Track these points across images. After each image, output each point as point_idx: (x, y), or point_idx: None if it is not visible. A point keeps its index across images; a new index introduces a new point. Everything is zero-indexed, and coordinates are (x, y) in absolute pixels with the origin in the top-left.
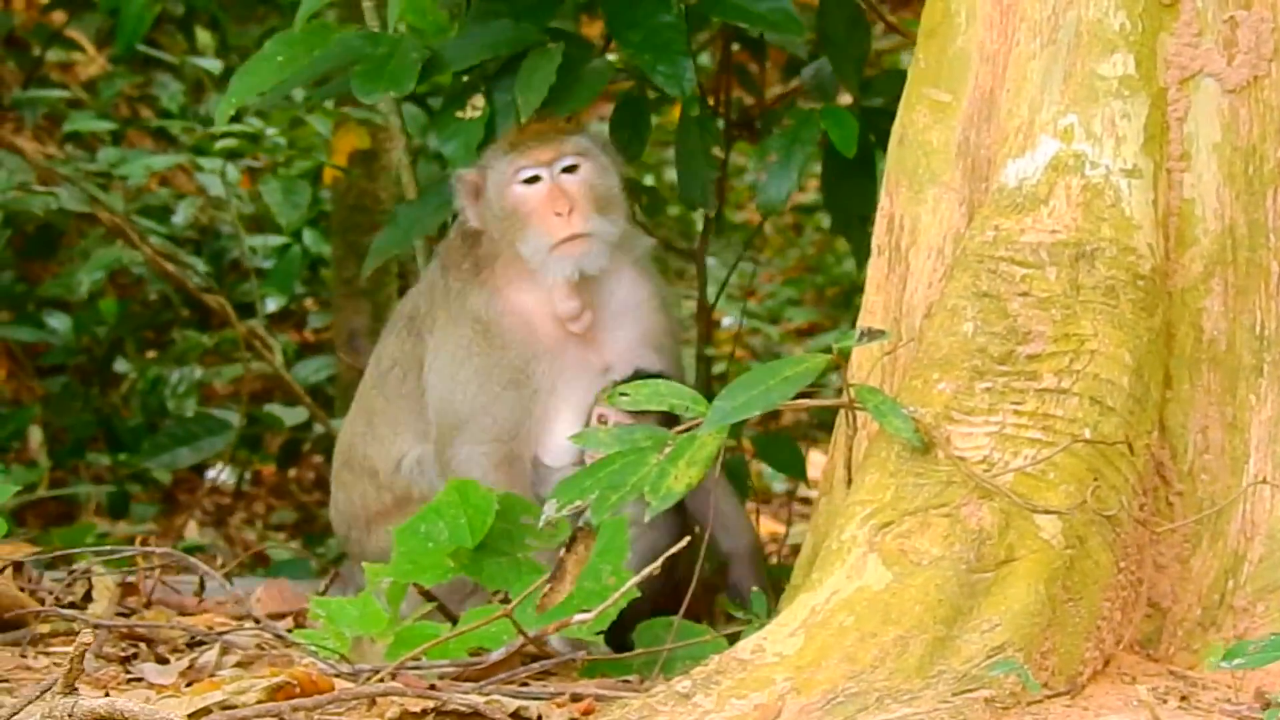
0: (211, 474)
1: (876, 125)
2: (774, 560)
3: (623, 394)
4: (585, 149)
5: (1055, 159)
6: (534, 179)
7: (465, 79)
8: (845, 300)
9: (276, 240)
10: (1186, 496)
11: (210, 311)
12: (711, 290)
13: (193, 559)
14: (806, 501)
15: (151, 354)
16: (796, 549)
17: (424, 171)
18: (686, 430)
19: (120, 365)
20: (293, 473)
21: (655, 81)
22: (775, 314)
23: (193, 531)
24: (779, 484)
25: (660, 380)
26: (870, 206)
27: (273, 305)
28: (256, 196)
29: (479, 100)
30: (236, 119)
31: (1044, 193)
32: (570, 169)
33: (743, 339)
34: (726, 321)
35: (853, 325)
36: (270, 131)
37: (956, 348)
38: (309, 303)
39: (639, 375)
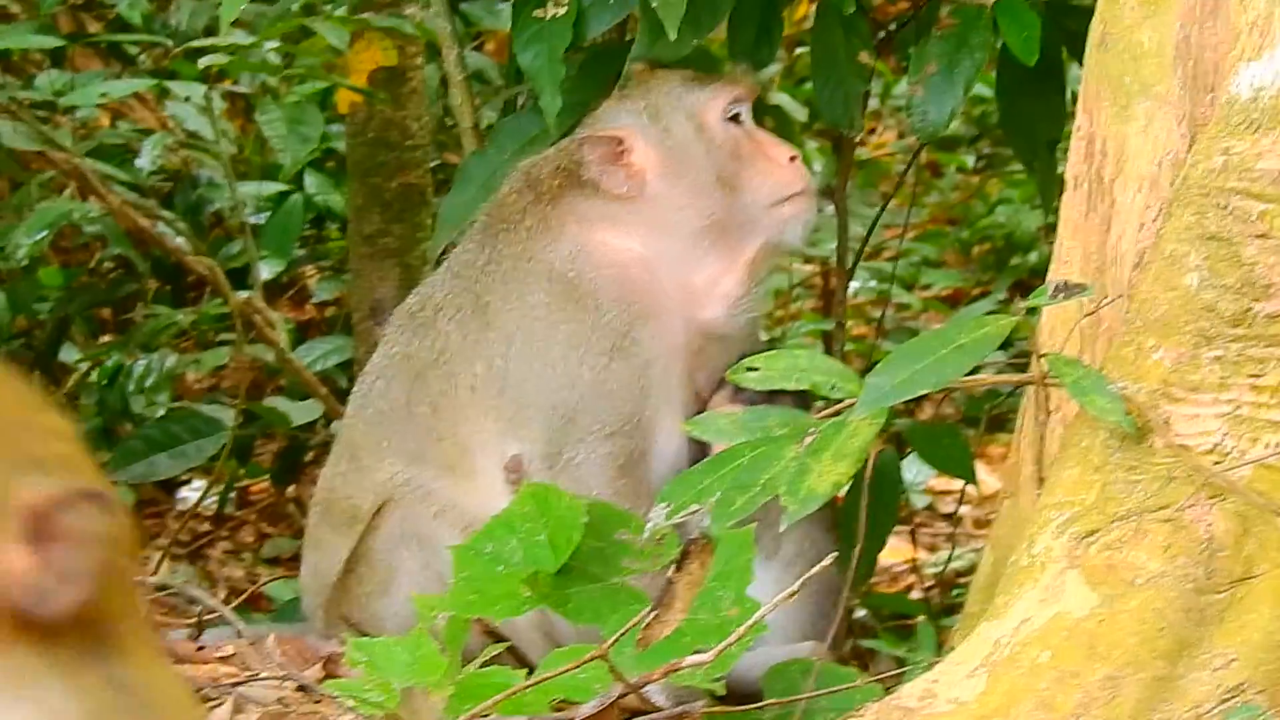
0: (186, 493)
1: (1066, 24)
2: (914, 594)
3: (751, 369)
4: (760, 90)
5: None
6: (737, 116)
7: None
8: (998, 261)
9: (269, 188)
10: None
11: (184, 282)
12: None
13: (199, 592)
14: (948, 518)
15: (108, 337)
16: (942, 581)
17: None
18: (833, 415)
19: (68, 352)
20: (290, 490)
21: None
22: (909, 278)
23: (162, 568)
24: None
25: (799, 351)
26: (1058, 129)
27: (266, 272)
28: (239, 133)
29: None
30: (210, 31)
31: None
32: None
33: (862, 309)
34: (853, 286)
35: (1024, 284)
36: (267, 47)
37: (1178, 306)
38: (308, 269)
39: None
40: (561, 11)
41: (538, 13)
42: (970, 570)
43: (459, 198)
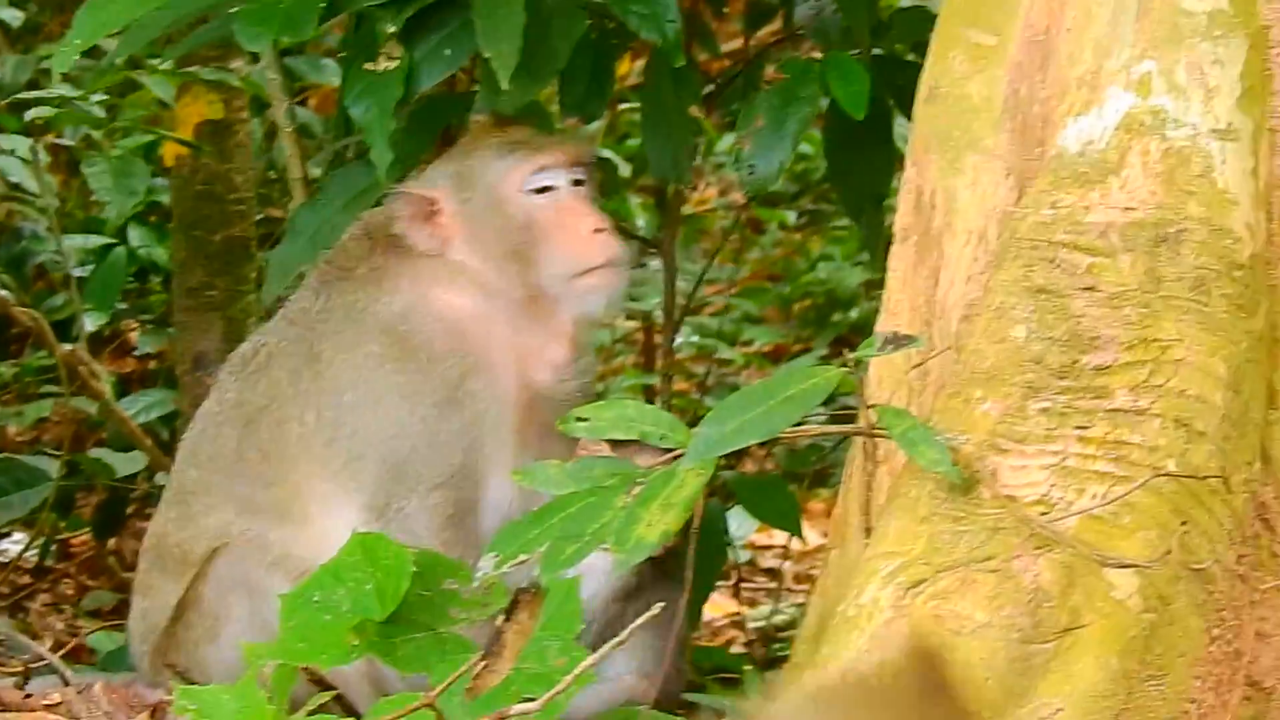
0: (6, 544)
1: (894, 79)
2: (736, 648)
3: (580, 419)
4: (593, 154)
5: (1128, 117)
6: (546, 187)
7: (379, 24)
8: (820, 317)
9: (94, 240)
10: None
11: (6, 334)
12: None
13: (26, 640)
14: (771, 573)
15: None
16: (763, 634)
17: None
18: (661, 465)
19: None
20: (111, 543)
21: (629, 24)
22: (731, 334)
23: None
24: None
25: (629, 401)
26: (885, 182)
27: (89, 325)
28: (62, 186)
29: (395, 49)
30: (34, 84)
31: (1115, 160)
32: (584, 180)
33: (683, 365)
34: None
35: (845, 340)
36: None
37: (1005, 358)
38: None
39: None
40: (393, 65)
41: (369, 66)
42: (792, 625)
43: (289, 249)
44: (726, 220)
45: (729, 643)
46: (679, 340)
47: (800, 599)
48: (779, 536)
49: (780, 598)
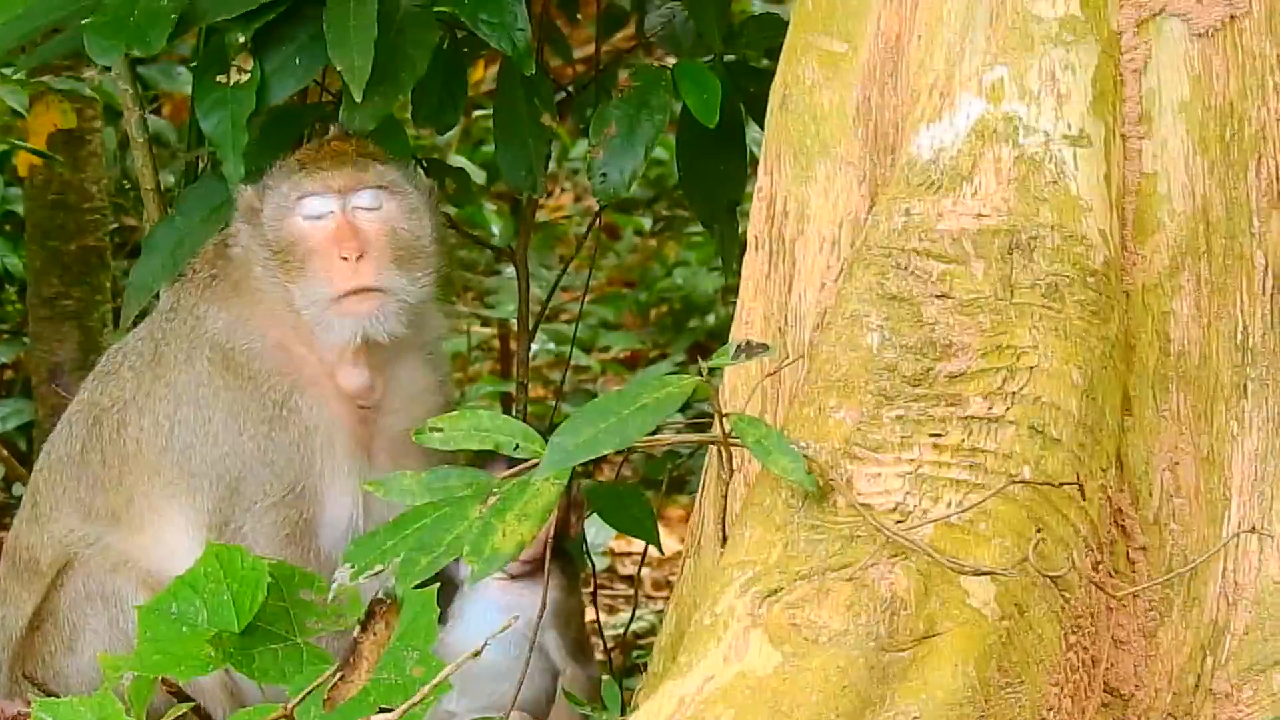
0: None
1: (746, 86)
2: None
3: (435, 429)
4: (392, 181)
5: (980, 123)
6: (321, 215)
7: (229, 36)
8: (676, 323)
9: None
10: (1152, 552)
11: None
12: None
13: None
14: (628, 580)
15: None
16: (623, 643)
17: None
18: (516, 475)
19: None
20: None
21: (479, 33)
22: (588, 341)
23: None
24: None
25: (482, 411)
26: (739, 190)
27: None
28: None
29: (247, 61)
30: None
31: (966, 167)
32: (370, 206)
33: (540, 372)
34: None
35: (702, 346)
36: None
37: (858, 366)
38: None
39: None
40: (245, 78)
41: (220, 78)
42: (651, 632)
43: (146, 266)
44: (581, 227)
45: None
46: (535, 348)
47: (659, 606)
48: (638, 544)
49: (639, 605)
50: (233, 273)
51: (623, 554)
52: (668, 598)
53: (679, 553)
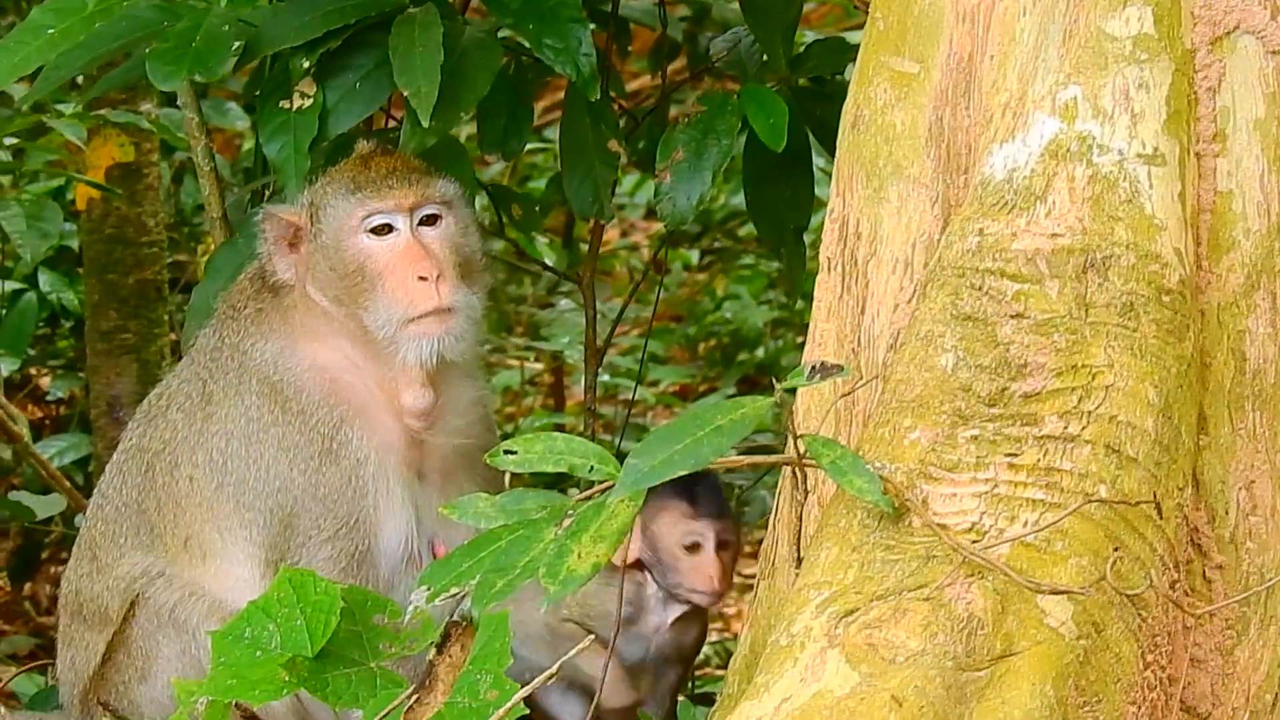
0: None
1: (813, 110)
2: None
3: (509, 451)
4: (451, 197)
5: (1054, 143)
6: (385, 228)
7: (296, 61)
8: (725, 357)
9: (2, 285)
10: (1229, 570)
11: None
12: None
13: None
14: None
15: None
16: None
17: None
18: (591, 497)
19: None
20: (27, 588)
21: (544, 59)
22: (638, 374)
23: None
24: None
25: (557, 434)
26: (804, 214)
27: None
28: None
29: (309, 86)
30: None
31: (1040, 186)
32: (430, 219)
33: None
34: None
35: (751, 379)
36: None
37: (933, 386)
38: (33, 370)
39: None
40: (307, 104)
41: (283, 104)
42: (704, 664)
43: (209, 288)
44: (631, 260)
45: None
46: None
47: (714, 636)
48: None
49: None
50: (279, 302)
51: None
52: (721, 629)
53: (736, 585)
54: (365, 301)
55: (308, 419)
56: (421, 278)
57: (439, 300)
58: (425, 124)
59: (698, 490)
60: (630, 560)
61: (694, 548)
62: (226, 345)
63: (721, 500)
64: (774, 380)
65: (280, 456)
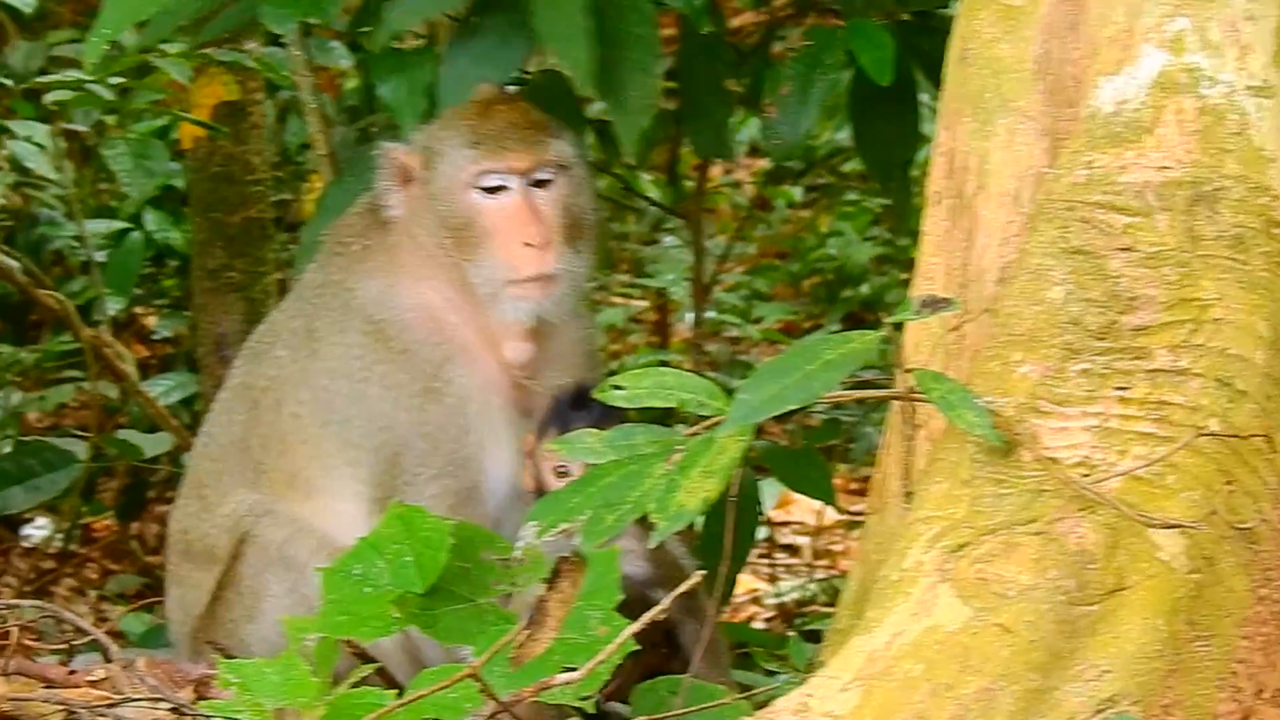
0: (30, 530)
1: (918, 44)
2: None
3: (617, 387)
4: (568, 158)
5: (1162, 75)
6: (498, 187)
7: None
8: (829, 294)
9: (108, 225)
10: None
11: (26, 320)
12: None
13: (71, 615)
14: (787, 549)
15: None
16: (783, 610)
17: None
18: (701, 432)
19: None
20: (134, 527)
21: None
22: (744, 310)
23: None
24: None
25: (665, 369)
26: (911, 148)
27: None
28: (75, 172)
29: (421, 26)
30: (44, 72)
31: (1149, 119)
32: (544, 182)
33: (693, 343)
34: (689, 318)
35: (856, 316)
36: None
37: (1043, 320)
38: (140, 309)
39: (580, 394)
40: (421, 44)
41: (397, 44)
42: (812, 601)
43: (318, 226)
44: (735, 197)
45: (749, 619)
46: (690, 317)
47: (818, 575)
48: (796, 513)
49: (796, 574)
50: (386, 240)
51: (781, 523)
52: (828, 566)
53: (839, 522)
54: (470, 254)
55: (411, 357)
56: (528, 244)
57: (544, 267)
58: (587, 91)
59: (573, 417)
60: (533, 487)
61: (562, 473)
62: (332, 282)
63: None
64: (881, 316)
65: (385, 395)
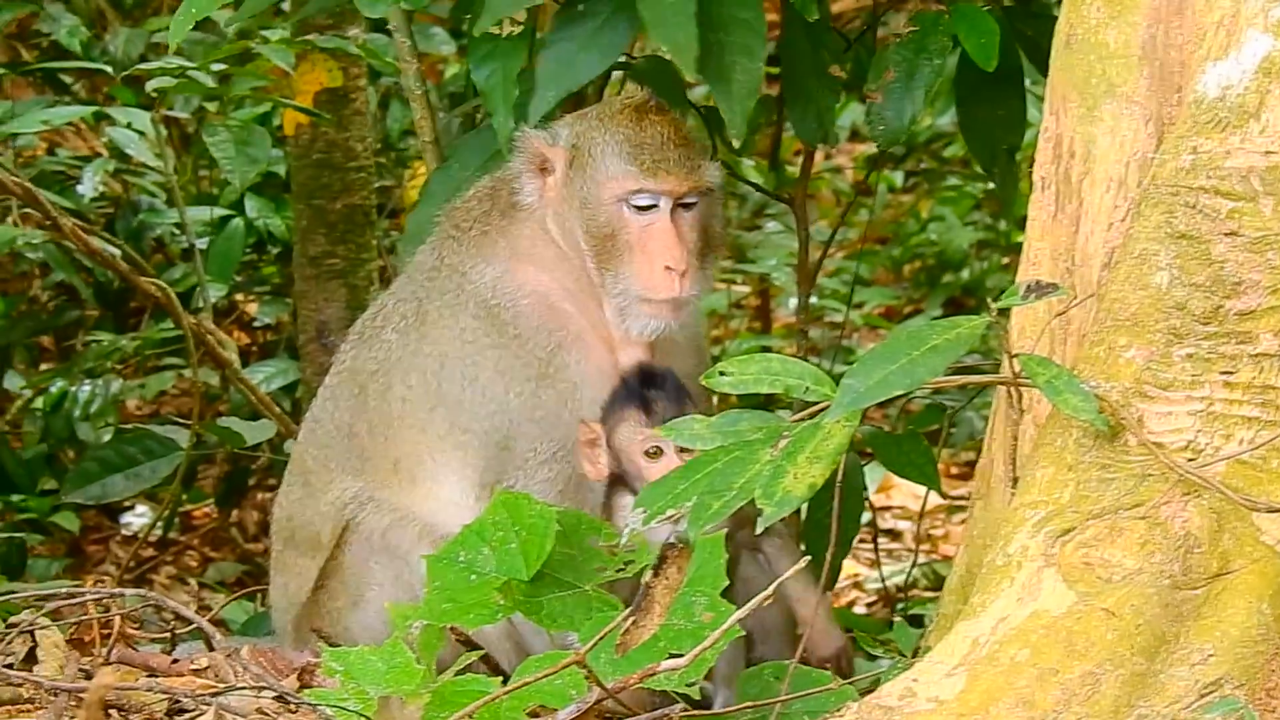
0: (130, 518)
1: (1023, 29)
2: (858, 609)
3: (724, 373)
4: (715, 183)
5: (1267, 60)
6: (649, 207)
7: None
8: (930, 278)
9: (208, 212)
10: None
11: (126, 308)
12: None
13: (174, 604)
14: (887, 534)
15: (47, 365)
16: (881, 595)
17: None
18: (807, 418)
19: (10, 380)
20: (233, 515)
21: None
22: (841, 297)
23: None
24: None
25: (772, 355)
26: (1017, 133)
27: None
28: (175, 159)
29: (520, 13)
30: (143, 59)
31: (1254, 104)
32: (689, 205)
33: (793, 329)
34: (792, 303)
35: (957, 301)
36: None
37: (1148, 304)
38: (240, 296)
39: (647, 373)
40: (517, 30)
41: (493, 29)
42: (913, 586)
43: (424, 213)
44: (836, 182)
45: (851, 604)
46: (793, 303)
47: (924, 558)
48: (897, 498)
49: (898, 558)
50: (506, 225)
51: (882, 508)
52: (929, 550)
53: (940, 507)
54: (605, 262)
55: (524, 342)
56: (668, 267)
57: (680, 292)
58: (691, 77)
59: (652, 397)
60: (606, 475)
61: (655, 453)
62: (445, 265)
63: (680, 402)
64: (986, 300)
65: (496, 379)
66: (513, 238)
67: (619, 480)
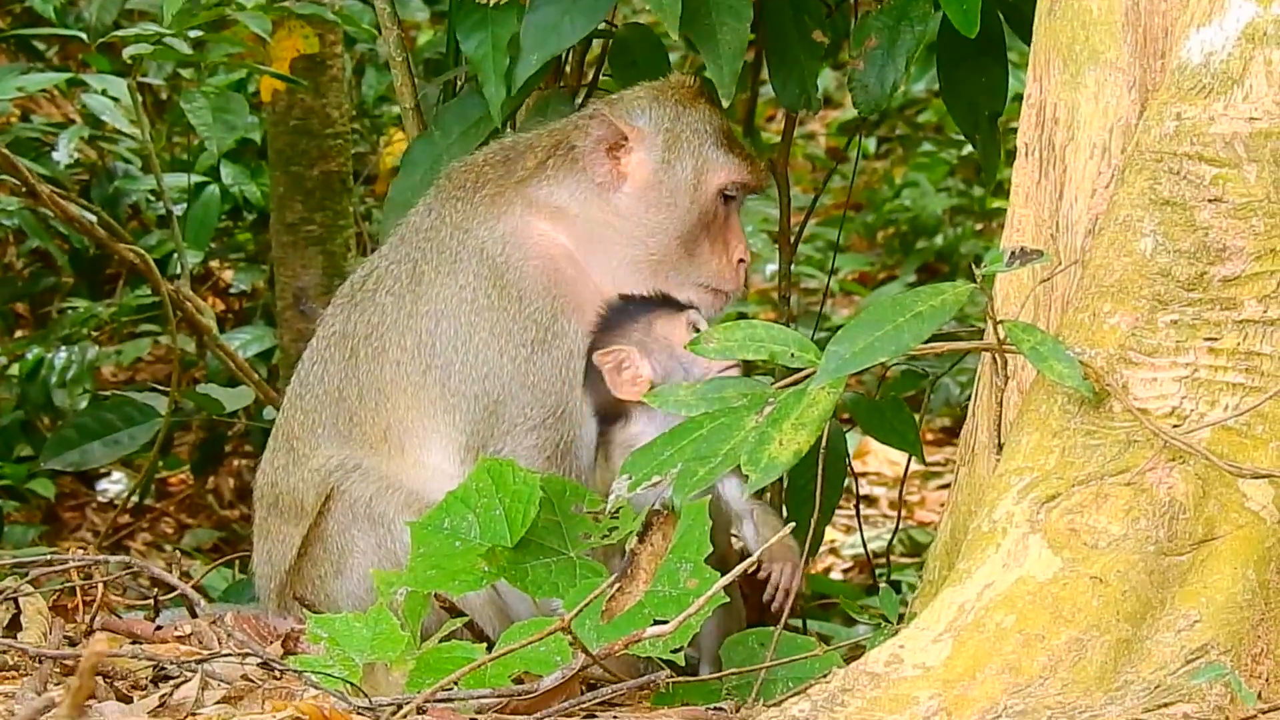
0: (106, 484)
1: None
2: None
3: (709, 340)
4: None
5: (1250, 26)
6: (732, 198)
7: None
8: (904, 245)
9: (184, 179)
10: None
11: (102, 275)
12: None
13: (158, 570)
14: (867, 500)
15: (23, 332)
16: (858, 561)
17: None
18: (792, 384)
19: None
20: (210, 480)
21: None
22: (815, 263)
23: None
24: None
25: (757, 322)
26: (999, 100)
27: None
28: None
29: None
30: (120, 25)
31: (1238, 70)
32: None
33: (768, 294)
34: (769, 269)
35: (931, 267)
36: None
37: (1132, 271)
38: (215, 263)
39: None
40: (505, 0)
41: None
42: (887, 552)
43: (406, 181)
44: (809, 148)
45: (827, 570)
46: (771, 269)
47: (889, 526)
48: (872, 464)
49: (873, 524)
50: (519, 191)
51: (858, 474)
52: (905, 516)
53: (917, 473)
54: (687, 252)
55: (525, 305)
56: (742, 260)
57: (740, 286)
58: (674, 36)
59: (661, 295)
60: (644, 391)
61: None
62: (447, 224)
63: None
64: (970, 266)
65: (491, 341)
66: (532, 200)
67: (613, 418)
